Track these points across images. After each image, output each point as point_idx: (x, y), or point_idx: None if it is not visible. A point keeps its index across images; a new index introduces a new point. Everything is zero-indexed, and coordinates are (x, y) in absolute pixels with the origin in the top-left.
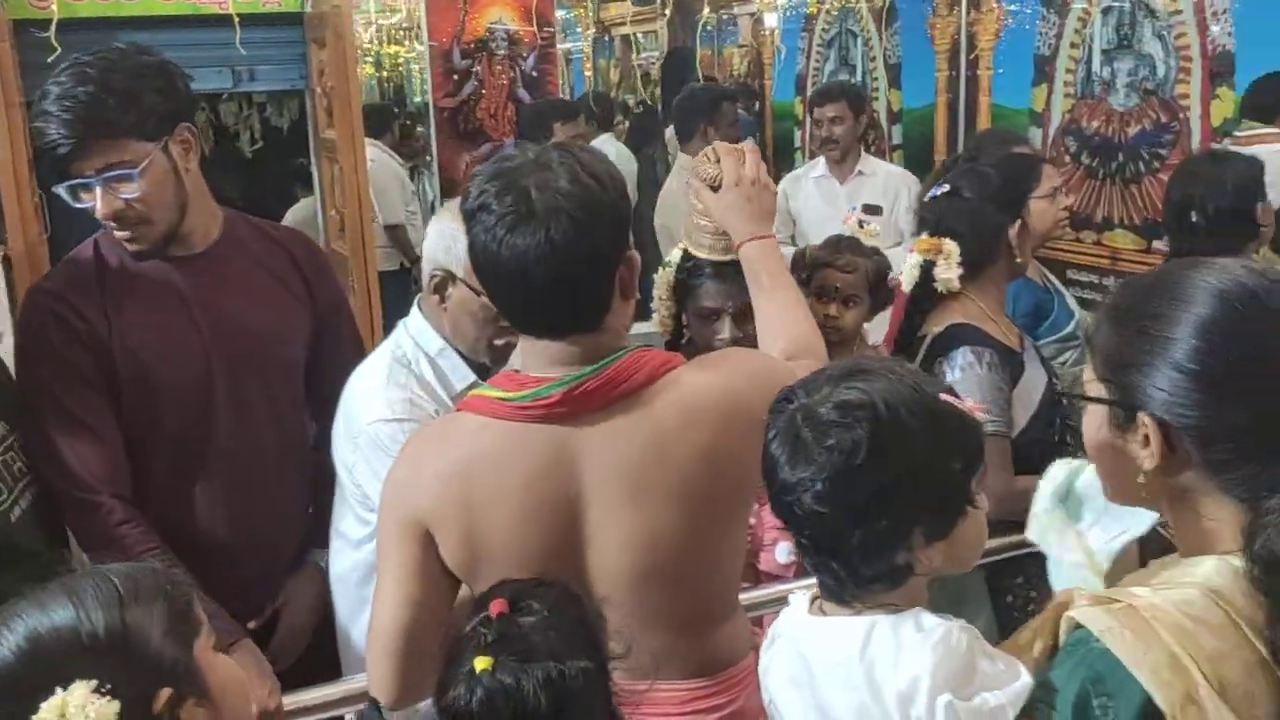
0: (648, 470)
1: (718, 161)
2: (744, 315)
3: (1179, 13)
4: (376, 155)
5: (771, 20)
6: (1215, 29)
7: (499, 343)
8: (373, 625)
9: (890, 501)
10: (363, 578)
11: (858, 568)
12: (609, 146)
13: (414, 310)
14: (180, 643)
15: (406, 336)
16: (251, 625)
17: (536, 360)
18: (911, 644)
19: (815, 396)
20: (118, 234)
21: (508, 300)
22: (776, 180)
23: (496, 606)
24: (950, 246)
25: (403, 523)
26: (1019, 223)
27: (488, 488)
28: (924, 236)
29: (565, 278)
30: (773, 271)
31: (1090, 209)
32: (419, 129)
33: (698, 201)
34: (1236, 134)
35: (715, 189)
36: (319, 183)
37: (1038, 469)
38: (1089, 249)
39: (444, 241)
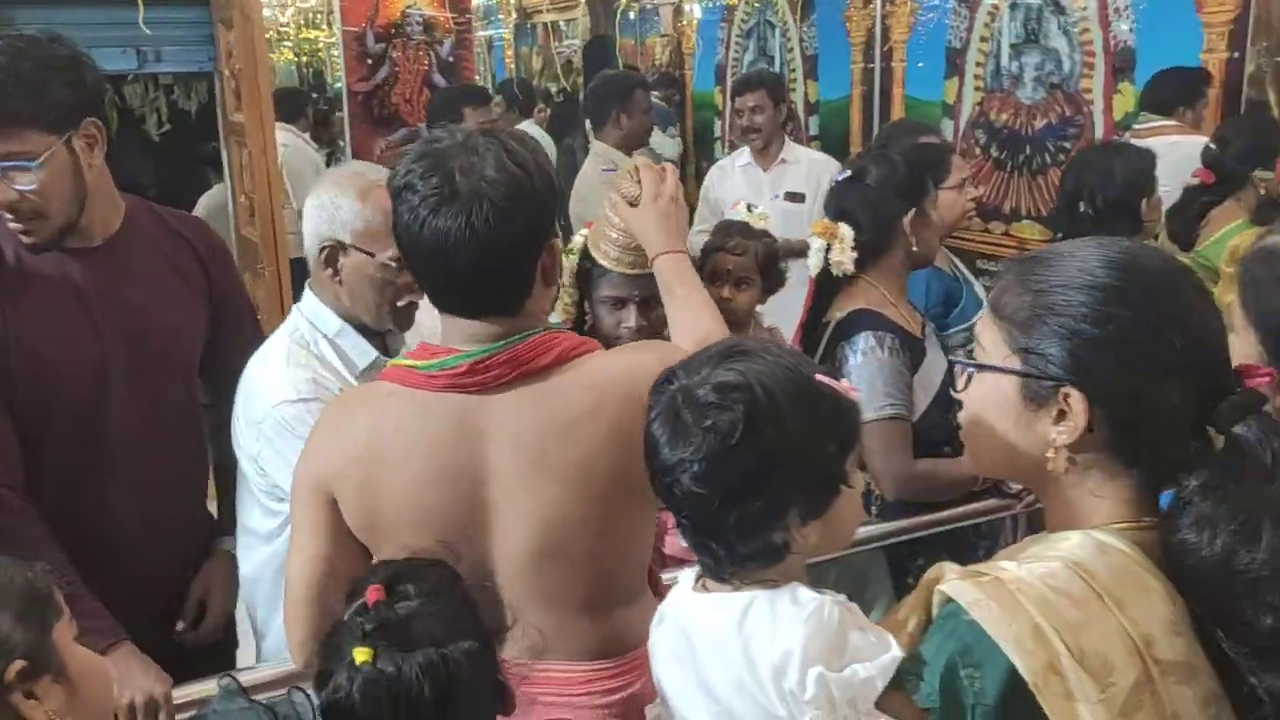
0: (551, 449)
1: (639, 180)
2: (648, 304)
3: (1084, 9)
4: (290, 140)
5: (691, 10)
6: (1118, 26)
7: (401, 304)
8: (286, 587)
9: (765, 482)
10: (277, 572)
11: (734, 547)
12: (531, 133)
13: (306, 293)
14: (36, 626)
15: (302, 320)
16: (181, 626)
17: (454, 335)
18: (786, 618)
19: (695, 378)
20: (11, 225)
21: (430, 280)
22: (701, 171)
23: (372, 594)
24: (844, 231)
25: (310, 485)
26: (913, 212)
27: (389, 451)
28: (824, 220)
29: (485, 264)
30: (685, 282)
31: (999, 200)
32: (336, 114)
33: (614, 215)
34: (1136, 126)
35: (634, 206)
36: (229, 168)
37: (939, 452)
38: (998, 239)
39: (325, 213)
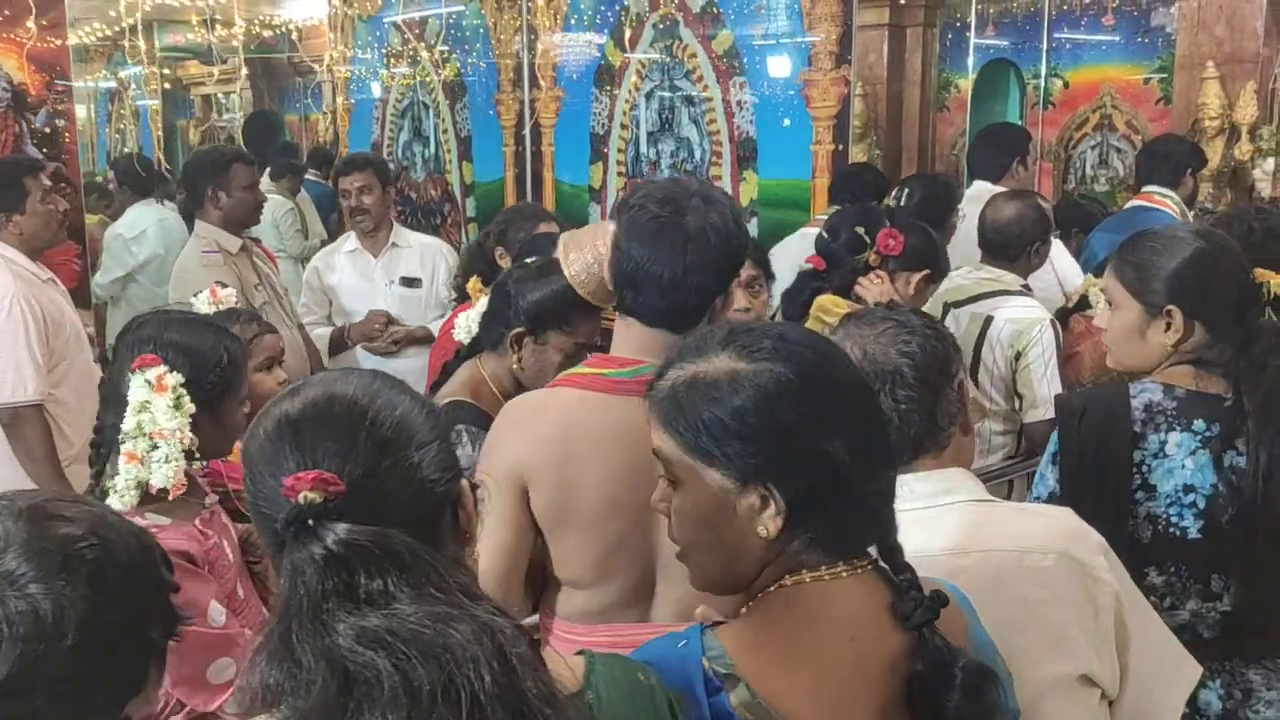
0: None
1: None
2: None
3: (710, 100)
4: None
5: (347, 89)
6: (740, 117)
7: None
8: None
9: None
10: None
11: None
12: (147, 213)
13: None
14: None
15: None
16: None
17: (638, 347)
18: None
19: None
20: None
21: (642, 297)
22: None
23: None
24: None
25: (505, 475)
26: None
27: (582, 446)
28: None
29: (691, 289)
30: None
31: None
32: None
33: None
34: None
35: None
36: None
37: None
38: None
39: None
